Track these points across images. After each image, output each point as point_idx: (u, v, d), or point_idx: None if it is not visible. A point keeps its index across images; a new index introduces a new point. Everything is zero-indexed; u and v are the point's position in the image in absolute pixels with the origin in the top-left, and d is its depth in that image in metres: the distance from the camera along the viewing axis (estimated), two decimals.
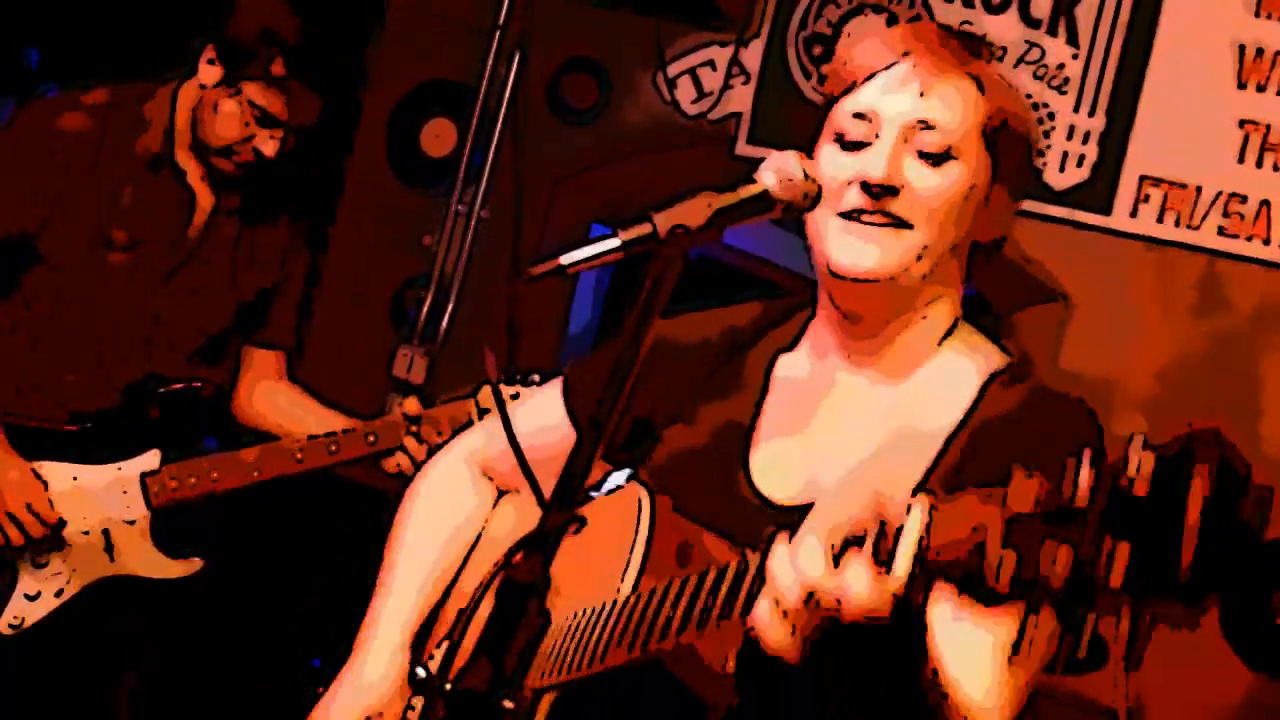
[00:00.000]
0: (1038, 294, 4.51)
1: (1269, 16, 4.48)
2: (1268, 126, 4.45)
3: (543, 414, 2.38)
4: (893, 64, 2.12)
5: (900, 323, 2.14)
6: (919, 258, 2.08)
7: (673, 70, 5.12)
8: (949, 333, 2.17)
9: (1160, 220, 4.54)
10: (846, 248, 2.07)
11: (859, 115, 2.11)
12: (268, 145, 3.79)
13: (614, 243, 1.88)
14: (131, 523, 3.85)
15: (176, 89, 3.88)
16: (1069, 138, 4.61)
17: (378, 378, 5.08)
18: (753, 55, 5.04)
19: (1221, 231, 4.48)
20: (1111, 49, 4.64)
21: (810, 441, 2.15)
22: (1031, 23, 4.68)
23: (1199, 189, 4.51)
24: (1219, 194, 4.48)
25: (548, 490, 2.08)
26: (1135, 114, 4.60)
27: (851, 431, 2.12)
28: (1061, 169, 4.61)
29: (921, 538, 1.57)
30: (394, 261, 5.31)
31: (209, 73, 3.80)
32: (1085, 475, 1.40)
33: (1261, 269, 4.44)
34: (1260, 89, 4.47)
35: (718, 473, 2.17)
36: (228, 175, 3.88)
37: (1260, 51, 4.48)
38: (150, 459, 3.86)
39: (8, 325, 3.92)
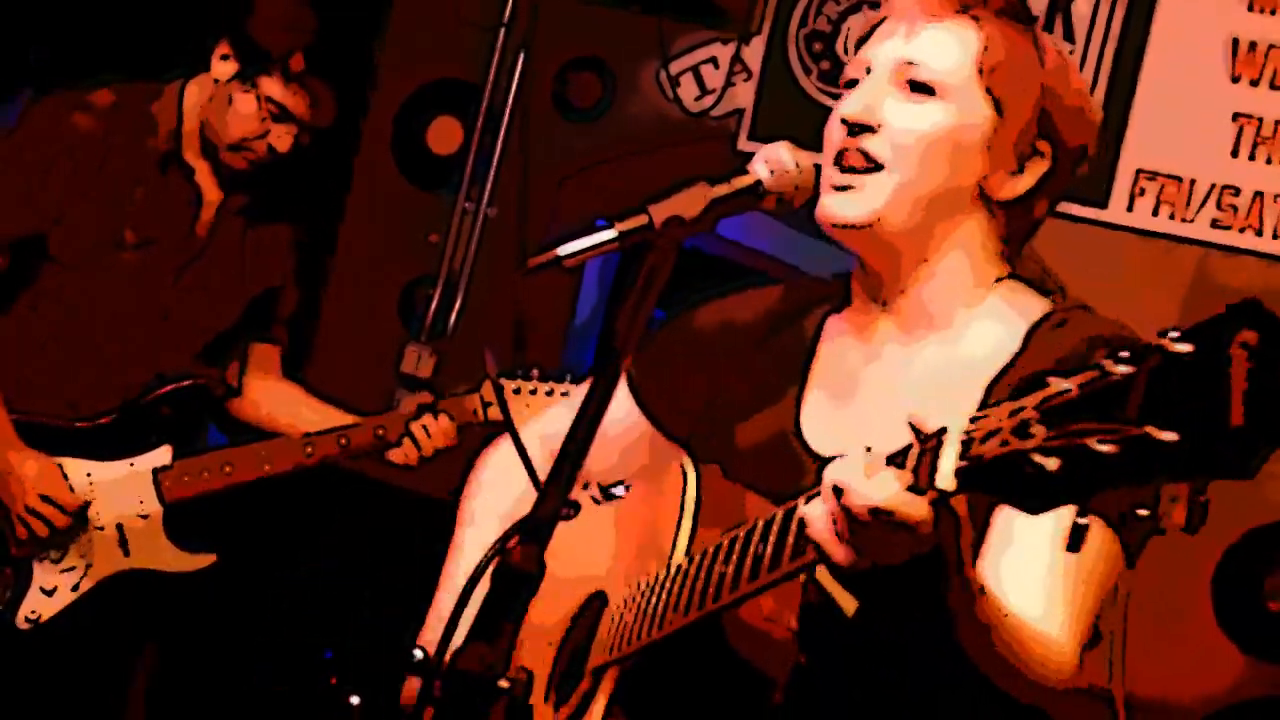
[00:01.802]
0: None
1: (1262, 11, 4.52)
2: (1260, 120, 4.50)
3: (614, 409, 2.39)
4: (886, 19, 2.16)
5: (918, 276, 2.12)
6: (896, 200, 2.07)
7: (675, 68, 5.15)
8: (990, 288, 2.14)
9: (1156, 213, 4.59)
10: (827, 201, 2.08)
11: (857, 64, 2.15)
12: (282, 141, 3.84)
13: (611, 234, 1.93)
14: (145, 517, 3.90)
15: (183, 87, 3.91)
16: None
17: (386, 374, 5.12)
18: (754, 52, 5.06)
19: (1216, 224, 4.53)
20: (1107, 45, 4.68)
21: (857, 404, 2.15)
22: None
23: (1193, 182, 4.55)
24: (1213, 187, 4.53)
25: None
26: (1131, 109, 4.63)
27: (896, 389, 2.11)
28: None
29: (964, 443, 1.54)
30: (402, 259, 5.34)
31: (222, 68, 3.83)
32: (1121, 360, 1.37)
33: (1255, 260, 4.48)
34: (1254, 83, 4.51)
35: (771, 437, 2.18)
36: (238, 171, 3.91)
37: (1253, 45, 4.52)
38: (162, 454, 3.90)
39: (20, 325, 3.96)
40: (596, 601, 2.18)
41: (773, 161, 2.04)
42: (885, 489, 1.62)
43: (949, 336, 2.13)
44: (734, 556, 1.88)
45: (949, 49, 2.10)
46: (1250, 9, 4.53)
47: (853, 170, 2.08)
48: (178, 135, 3.92)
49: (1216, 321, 1.31)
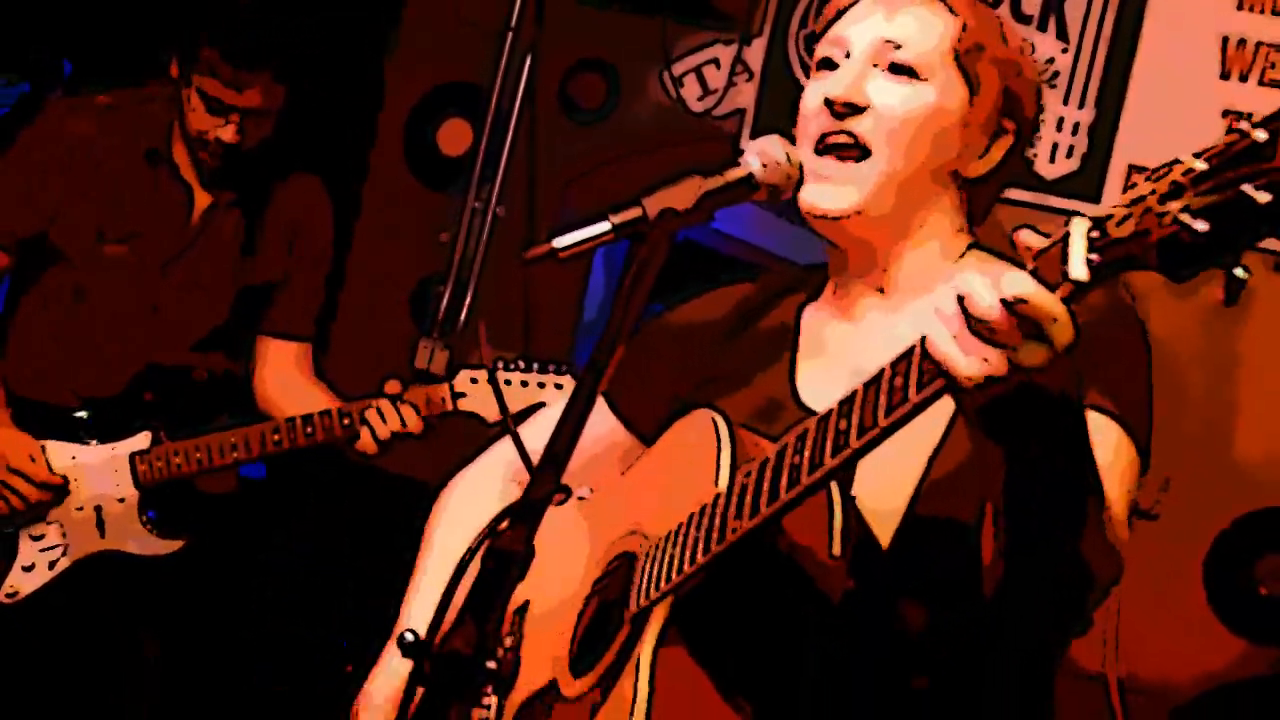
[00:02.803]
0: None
1: (1251, 9, 4.55)
2: (1250, 116, 4.54)
3: (592, 420, 2.36)
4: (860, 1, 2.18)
5: (895, 254, 2.16)
6: (878, 188, 2.11)
7: (678, 69, 5.20)
8: (961, 257, 2.18)
9: None
10: (812, 190, 2.12)
11: (832, 43, 2.18)
12: (225, 132, 3.90)
13: (605, 226, 1.98)
14: (121, 500, 3.99)
15: (176, 90, 4.00)
16: (1059, 129, 4.68)
17: (400, 370, 5.17)
18: (755, 53, 5.11)
19: None
20: (1099, 43, 4.72)
21: (850, 368, 2.11)
22: (1022, 19, 4.75)
23: None
24: None
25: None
26: (1123, 105, 4.68)
27: (887, 347, 2.06)
28: (1052, 159, 4.69)
29: (1092, 238, 1.53)
30: (413, 258, 5.39)
31: (175, 71, 3.94)
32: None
33: (1246, 252, 4.51)
34: (1243, 79, 4.55)
35: (770, 405, 2.20)
36: (213, 167, 3.98)
37: (1243, 43, 4.55)
38: (141, 440, 4.00)
39: (27, 320, 4.09)
40: (619, 562, 2.19)
41: (764, 154, 2.08)
42: (1015, 282, 1.59)
43: (928, 301, 2.14)
44: (767, 472, 1.88)
45: (930, 30, 2.13)
46: (1239, 7, 4.56)
47: (838, 156, 2.12)
48: (168, 135, 4.03)
49: None
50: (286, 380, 4.22)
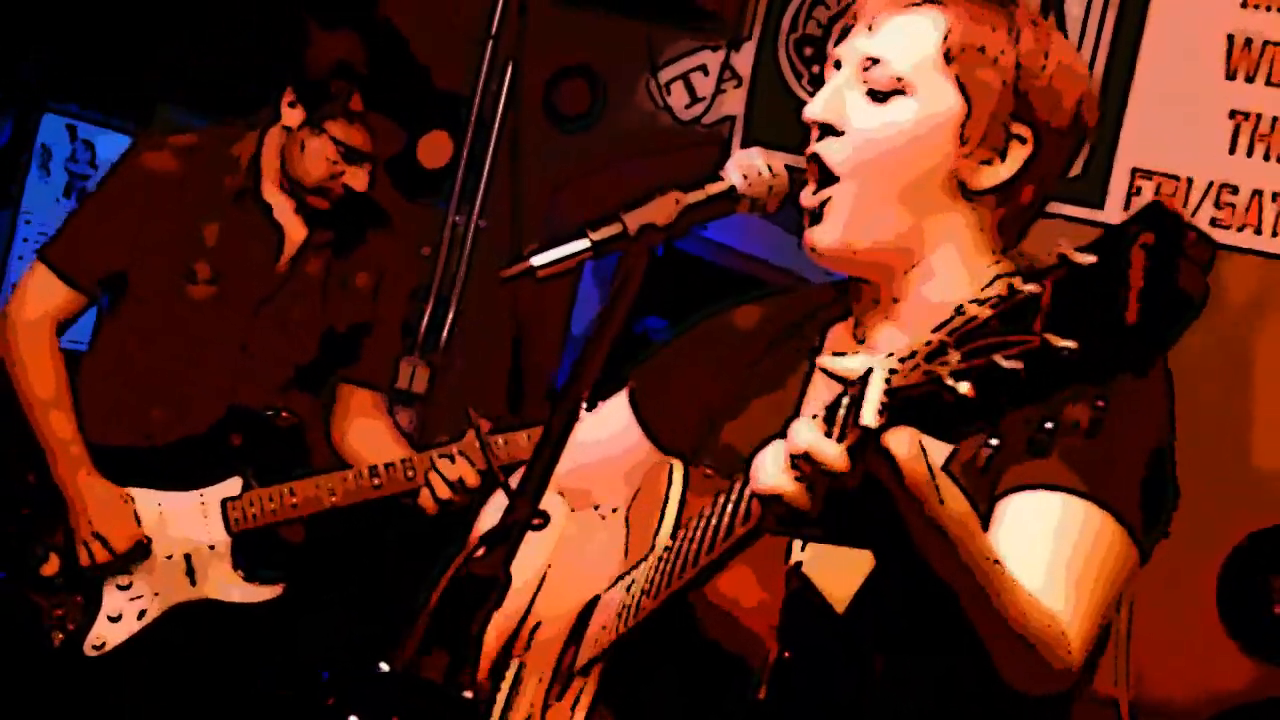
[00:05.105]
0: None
1: (1257, 7, 4.52)
2: (1258, 116, 4.49)
3: (611, 421, 2.35)
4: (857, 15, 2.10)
5: (912, 278, 2.06)
6: (862, 213, 2.03)
7: (665, 76, 5.17)
8: (989, 285, 2.02)
9: None
10: (808, 231, 2.06)
11: (831, 61, 2.11)
12: (358, 180, 3.88)
13: (584, 243, 1.92)
14: (212, 548, 3.93)
15: (264, 131, 3.96)
16: None
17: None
18: (744, 59, 5.07)
19: (1214, 223, 4.51)
20: (1101, 42, 4.68)
21: None
22: None
23: (1191, 180, 4.54)
24: (1211, 185, 4.51)
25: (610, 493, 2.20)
26: (1126, 107, 4.63)
27: None
28: None
29: (885, 383, 1.52)
30: None
31: (291, 115, 3.88)
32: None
33: (1255, 259, 4.46)
34: (1249, 79, 4.52)
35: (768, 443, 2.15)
36: (322, 211, 3.95)
37: (1249, 42, 4.52)
38: (232, 485, 3.93)
39: (103, 359, 4.03)
40: (591, 605, 2.18)
41: (745, 166, 2.03)
42: (801, 434, 1.59)
43: None
44: (697, 532, 1.86)
45: (910, 41, 2.03)
46: (1244, 5, 4.53)
47: (811, 183, 2.05)
48: (256, 174, 3.98)
49: (1119, 229, 1.32)
50: (368, 428, 4.16)
